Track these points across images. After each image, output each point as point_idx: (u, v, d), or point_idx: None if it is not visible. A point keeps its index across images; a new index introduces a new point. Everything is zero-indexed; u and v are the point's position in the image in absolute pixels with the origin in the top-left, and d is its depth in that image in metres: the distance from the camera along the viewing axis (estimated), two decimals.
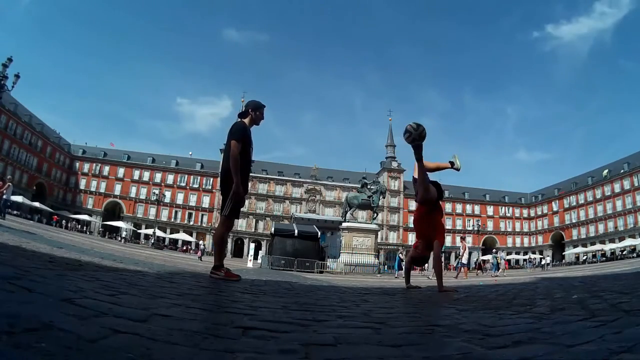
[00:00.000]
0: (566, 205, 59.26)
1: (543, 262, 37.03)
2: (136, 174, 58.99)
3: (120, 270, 3.07)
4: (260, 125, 3.98)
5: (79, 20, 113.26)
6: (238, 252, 53.77)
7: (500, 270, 20.47)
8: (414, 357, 0.96)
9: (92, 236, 35.68)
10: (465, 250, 13.23)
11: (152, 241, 39.77)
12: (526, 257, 47.42)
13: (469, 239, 62.04)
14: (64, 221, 45.72)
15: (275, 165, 61.71)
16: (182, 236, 52.55)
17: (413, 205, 58.76)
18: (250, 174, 4.05)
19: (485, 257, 49.95)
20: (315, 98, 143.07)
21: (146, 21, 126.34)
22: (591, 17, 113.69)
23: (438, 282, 4.13)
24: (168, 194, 57.03)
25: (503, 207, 65.72)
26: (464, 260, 13.05)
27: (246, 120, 3.86)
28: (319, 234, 21.05)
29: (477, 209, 64.42)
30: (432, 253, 4.27)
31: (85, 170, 58.31)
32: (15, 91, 20.35)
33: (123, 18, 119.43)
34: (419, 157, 3.85)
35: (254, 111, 3.86)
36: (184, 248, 51.37)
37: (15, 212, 37.96)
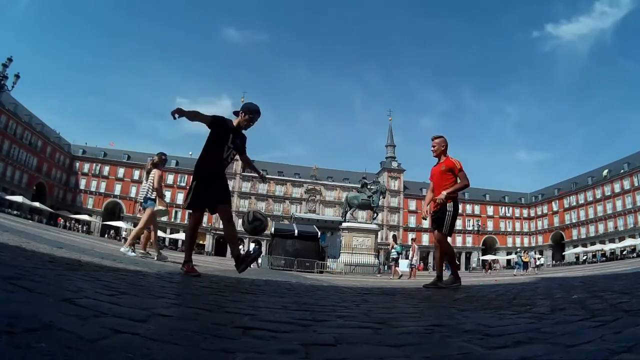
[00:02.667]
0: (566, 205, 59.25)
1: (538, 262, 36.48)
2: (136, 174, 58.94)
3: (120, 270, 3.07)
4: (258, 126, 4.00)
5: (78, 20, 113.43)
6: None
7: (531, 268, 20.83)
8: (414, 357, 0.96)
9: (92, 236, 35.68)
10: (414, 251, 13.99)
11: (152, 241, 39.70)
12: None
13: (469, 239, 62.12)
14: (61, 220, 45.68)
15: (275, 165, 61.70)
16: (182, 236, 52.50)
17: (413, 205, 58.71)
18: (251, 174, 4.06)
19: (493, 257, 50.12)
20: (315, 97, 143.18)
21: (146, 20, 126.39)
22: (591, 17, 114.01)
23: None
24: (168, 194, 56.98)
25: (503, 207, 65.72)
26: (414, 261, 13.83)
27: (235, 120, 3.86)
28: (319, 234, 21.04)
29: (477, 208, 64.42)
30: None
31: (85, 170, 58.32)
32: (15, 91, 20.39)
33: (122, 17, 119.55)
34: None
35: (243, 113, 3.82)
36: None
37: (15, 212, 37.97)
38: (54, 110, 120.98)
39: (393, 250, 14.32)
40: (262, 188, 58.69)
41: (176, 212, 58.02)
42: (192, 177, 3.82)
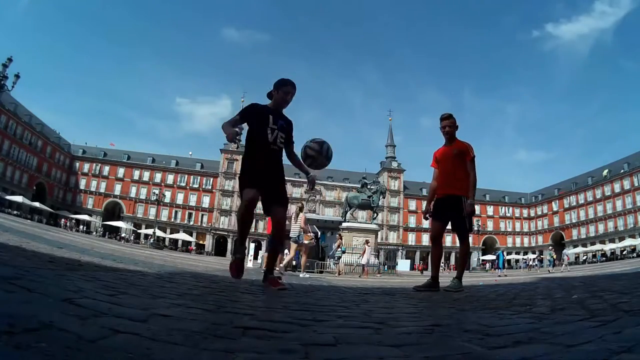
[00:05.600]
0: (566, 205, 59.24)
1: (531, 262, 35.79)
2: (136, 174, 58.98)
3: (120, 270, 3.07)
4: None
5: (78, 20, 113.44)
6: None
7: (564, 265, 21.69)
8: (414, 357, 0.96)
9: (92, 236, 35.70)
10: (365, 252, 15.08)
11: (151, 240, 39.70)
12: (526, 257, 47.51)
13: (469, 239, 61.93)
14: (62, 220, 45.70)
15: None
16: (182, 236, 52.56)
17: (413, 205, 58.58)
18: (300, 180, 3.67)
19: (493, 257, 50.13)
20: (315, 97, 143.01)
21: (145, 20, 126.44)
22: (591, 16, 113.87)
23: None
24: (168, 194, 57.02)
25: (503, 207, 65.69)
26: (364, 261, 14.85)
27: (270, 103, 3.37)
28: (319, 234, 21.02)
29: (477, 208, 64.07)
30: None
31: (85, 170, 58.31)
32: (15, 91, 20.40)
33: (122, 17, 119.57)
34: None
35: (275, 90, 3.33)
36: (190, 248, 51.70)
37: (15, 212, 37.97)
38: (54, 110, 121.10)
39: (339, 250, 15.03)
40: None
41: (176, 212, 58.07)
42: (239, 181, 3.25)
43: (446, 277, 4.73)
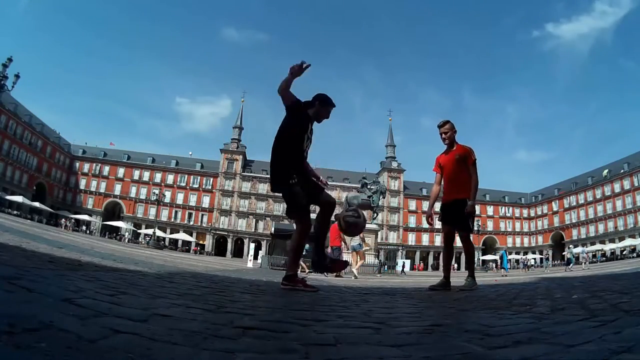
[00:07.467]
0: (566, 205, 59.23)
1: (528, 262, 35.58)
2: (136, 174, 58.99)
3: (120, 270, 3.07)
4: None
5: (78, 20, 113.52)
6: (238, 252, 53.80)
7: (584, 264, 21.78)
8: (414, 357, 0.96)
9: (91, 236, 35.68)
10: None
11: (149, 240, 39.64)
12: (525, 257, 47.51)
13: (470, 239, 61.82)
14: (62, 220, 45.73)
15: None
16: (182, 236, 52.55)
17: (413, 205, 58.38)
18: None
19: (493, 257, 50.12)
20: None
21: (145, 20, 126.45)
22: (591, 16, 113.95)
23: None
24: (168, 194, 57.02)
25: (503, 207, 65.68)
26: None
27: (310, 110, 3.28)
28: None
29: (477, 208, 64.00)
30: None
31: (85, 170, 58.32)
32: (15, 91, 20.40)
33: (121, 17, 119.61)
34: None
35: (321, 105, 3.30)
36: (194, 248, 51.80)
37: (15, 212, 37.97)
38: (54, 110, 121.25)
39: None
40: (262, 188, 58.61)
41: (176, 212, 58.07)
42: (278, 176, 3.16)
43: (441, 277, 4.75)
